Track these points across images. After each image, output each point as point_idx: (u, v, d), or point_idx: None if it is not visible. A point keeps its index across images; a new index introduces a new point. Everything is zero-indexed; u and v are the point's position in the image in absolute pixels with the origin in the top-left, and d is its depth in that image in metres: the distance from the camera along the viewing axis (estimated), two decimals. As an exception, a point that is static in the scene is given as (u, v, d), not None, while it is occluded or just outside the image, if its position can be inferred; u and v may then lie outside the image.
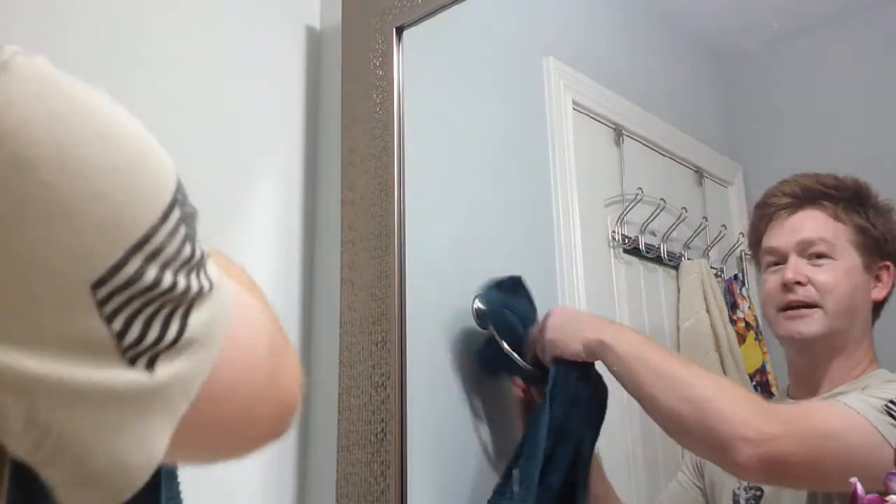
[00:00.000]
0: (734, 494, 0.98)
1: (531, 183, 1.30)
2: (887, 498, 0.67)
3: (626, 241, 1.23)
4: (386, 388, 1.16)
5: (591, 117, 1.29)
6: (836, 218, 0.98)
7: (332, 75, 1.39)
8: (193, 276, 0.40)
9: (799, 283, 0.97)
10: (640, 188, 1.23)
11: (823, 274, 0.97)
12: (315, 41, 1.44)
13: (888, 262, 0.98)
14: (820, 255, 0.98)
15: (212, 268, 0.43)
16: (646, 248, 1.22)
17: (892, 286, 0.97)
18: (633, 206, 1.23)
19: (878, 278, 0.97)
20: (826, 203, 0.99)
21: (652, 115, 1.28)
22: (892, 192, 0.98)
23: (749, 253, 1.11)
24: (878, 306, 0.98)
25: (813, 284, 0.97)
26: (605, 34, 1.37)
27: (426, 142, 1.28)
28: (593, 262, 1.24)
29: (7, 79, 0.35)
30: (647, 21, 1.35)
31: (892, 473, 0.70)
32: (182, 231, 0.40)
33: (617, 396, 1.19)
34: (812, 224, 0.99)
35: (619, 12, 1.38)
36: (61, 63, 0.40)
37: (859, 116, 1.08)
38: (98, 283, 0.36)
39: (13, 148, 0.34)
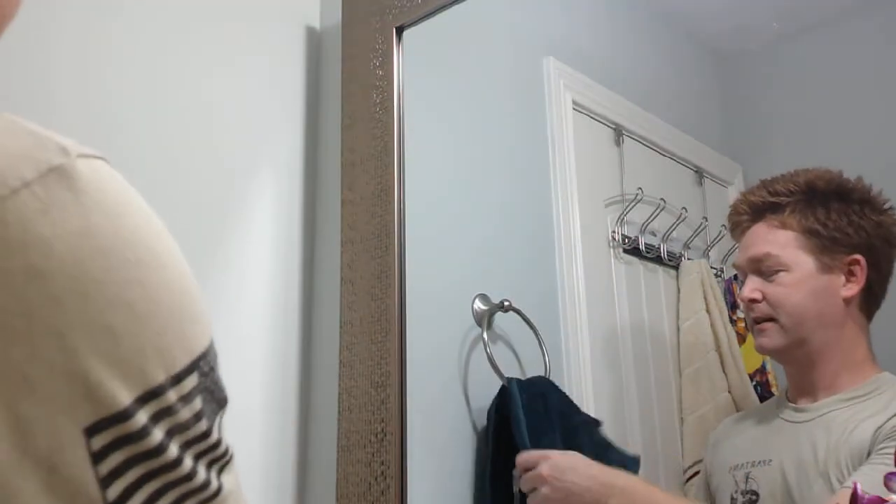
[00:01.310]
0: (731, 499, 0.98)
1: (531, 183, 1.30)
2: (887, 498, 0.67)
3: (626, 241, 1.23)
4: (386, 388, 1.16)
5: (591, 117, 1.29)
6: (783, 226, 0.99)
7: (332, 75, 1.39)
8: (202, 463, 0.35)
9: (754, 300, 0.99)
10: (640, 188, 1.23)
11: (774, 288, 0.98)
12: (315, 41, 1.44)
13: (857, 256, 0.95)
14: (773, 270, 0.98)
15: (232, 477, 0.37)
16: (646, 248, 1.22)
17: (867, 279, 0.94)
18: (633, 206, 1.23)
19: (850, 273, 0.95)
20: (770, 215, 1.00)
21: (652, 115, 1.28)
22: (893, 192, 0.97)
23: None
24: (867, 302, 0.95)
25: (766, 299, 0.98)
26: (606, 34, 1.37)
27: (426, 142, 1.28)
28: (593, 262, 1.23)
29: (58, 185, 0.32)
30: (647, 21, 1.35)
31: (892, 473, 0.70)
32: (198, 402, 0.35)
33: (615, 400, 1.19)
34: (757, 241, 1.01)
35: (620, 12, 1.38)
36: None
37: (859, 116, 1.08)
38: (94, 429, 0.31)
39: (33, 258, 0.31)
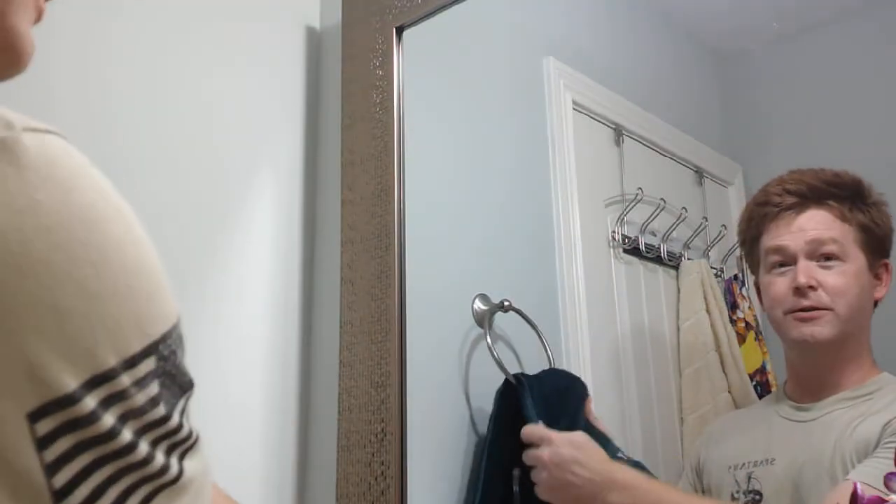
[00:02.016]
0: (732, 498, 0.98)
1: (531, 183, 1.30)
2: (887, 498, 0.67)
3: (626, 241, 1.23)
4: (386, 388, 1.16)
5: (591, 117, 1.29)
6: (843, 218, 0.97)
7: (332, 75, 1.39)
8: (161, 448, 0.34)
9: (811, 287, 0.96)
10: (640, 188, 1.23)
11: (833, 277, 0.96)
12: (315, 41, 1.44)
13: (887, 261, 0.97)
14: (829, 257, 0.97)
15: (197, 462, 0.36)
16: (646, 248, 1.22)
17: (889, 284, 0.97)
18: (633, 206, 1.23)
19: (877, 277, 0.97)
20: (832, 203, 0.98)
21: (652, 115, 1.28)
22: (893, 192, 0.98)
23: (741, 249, 1.11)
24: (875, 306, 0.97)
25: (824, 288, 0.96)
26: (606, 34, 1.37)
27: (426, 142, 1.28)
28: (593, 262, 1.23)
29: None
30: (647, 21, 1.35)
31: (891, 473, 0.70)
32: (154, 387, 0.33)
33: (615, 397, 1.19)
34: (821, 224, 0.98)
35: (620, 12, 1.38)
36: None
37: (859, 116, 1.08)
38: (38, 414, 0.30)
39: None
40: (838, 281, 0.96)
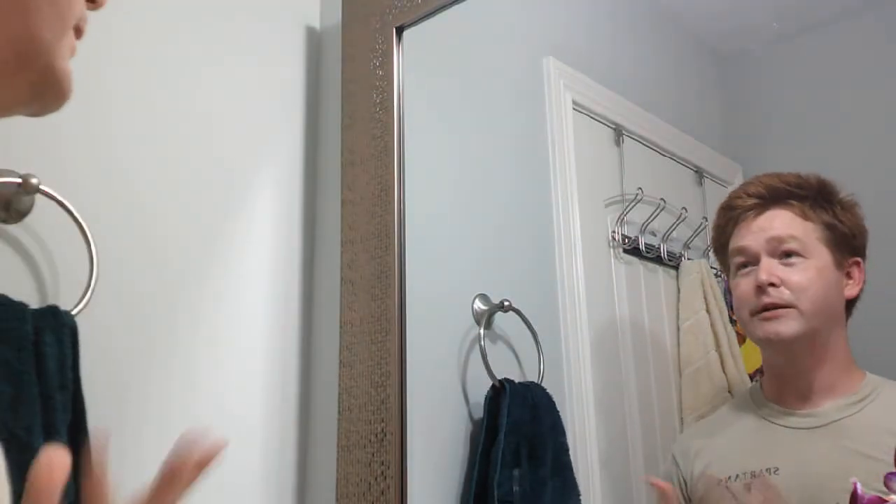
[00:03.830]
0: None
1: (531, 183, 1.30)
2: (887, 498, 0.67)
3: (626, 241, 1.23)
4: (386, 388, 1.16)
5: (591, 117, 1.29)
6: (804, 216, 0.98)
7: (332, 75, 1.39)
8: None
9: (772, 284, 0.96)
10: (640, 188, 1.23)
11: (796, 273, 0.96)
12: (315, 41, 1.44)
13: (858, 259, 0.97)
14: (791, 254, 0.97)
15: None
16: (646, 248, 1.22)
17: (863, 283, 0.96)
18: (633, 206, 1.23)
19: (849, 275, 0.96)
20: (792, 202, 0.99)
21: (652, 115, 1.28)
22: (892, 193, 0.98)
23: (716, 257, 1.11)
24: (849, 304, 0.97)
25: (786, 285, 0.96)
26: (606, 34, 1.37)
27: (426, 142, 1.28)
28: (593, 262, 1.23)
29: None
30: (647, 21, 1.35)
31: (891, 473, 0.70)
32: None
33: (615, 400, 1.19)
34: (780, 223, 0.99)
35: (620, 12, 1.38)
36: None
37: (859, 116, 1.08)
38: None
39: None
40: (800, 277, 0.96)
